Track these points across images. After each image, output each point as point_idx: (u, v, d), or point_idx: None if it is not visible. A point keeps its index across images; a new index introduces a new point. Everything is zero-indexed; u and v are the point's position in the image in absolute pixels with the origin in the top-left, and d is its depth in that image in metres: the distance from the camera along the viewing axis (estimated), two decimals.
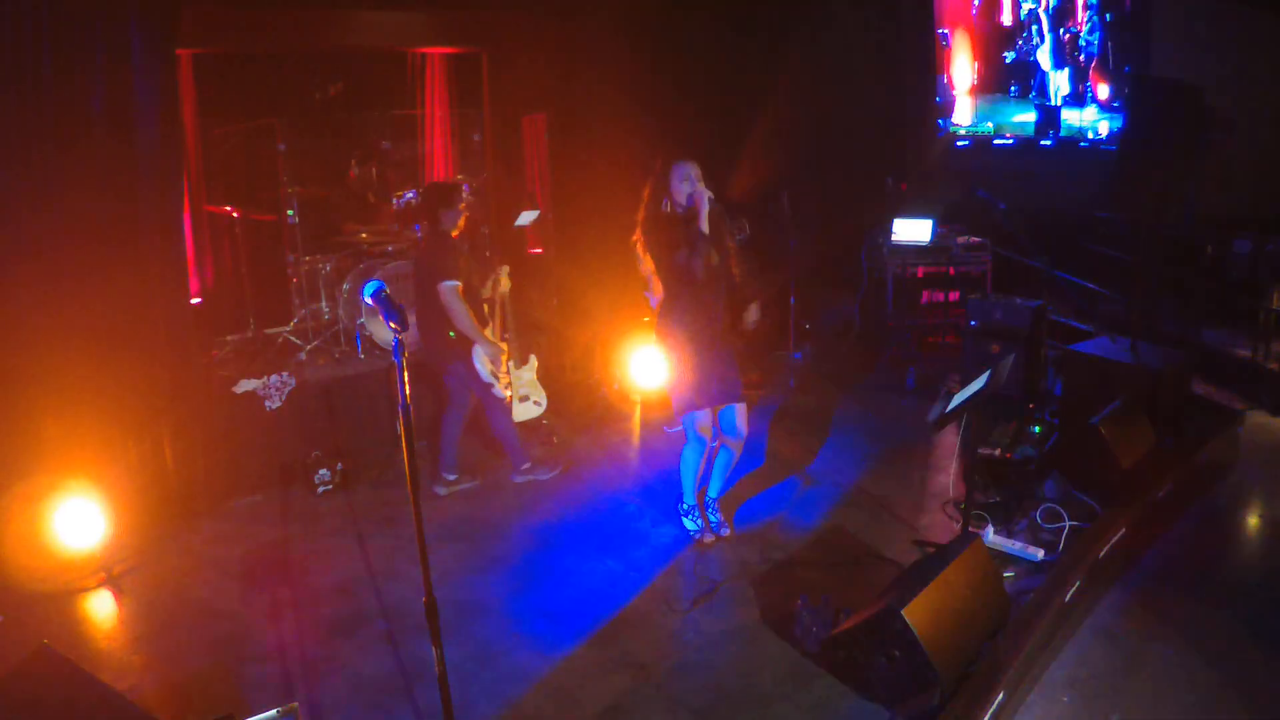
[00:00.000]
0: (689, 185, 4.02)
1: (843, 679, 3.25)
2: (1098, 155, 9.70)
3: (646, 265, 4.13)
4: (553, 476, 5.23)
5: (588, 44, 6.81)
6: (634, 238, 4.14)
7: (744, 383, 4.33)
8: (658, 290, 4.17)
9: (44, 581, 4.15)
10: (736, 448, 4.36)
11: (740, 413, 4.26)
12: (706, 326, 4.11)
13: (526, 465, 5.21)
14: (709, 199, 4.01)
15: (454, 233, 4.91)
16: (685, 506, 4.46)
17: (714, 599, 3.90)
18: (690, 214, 4.03)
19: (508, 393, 5.17)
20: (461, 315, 4.76)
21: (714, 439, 4.37)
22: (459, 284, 4.75)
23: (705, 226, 3.99)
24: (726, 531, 4.49)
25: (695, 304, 4.08)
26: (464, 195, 5.08)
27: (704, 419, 4.20)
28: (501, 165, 8.16)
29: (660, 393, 4.37)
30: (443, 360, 4.97)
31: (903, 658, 3.00)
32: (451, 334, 4.83)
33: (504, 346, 5.09)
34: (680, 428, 4.38)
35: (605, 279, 6.67)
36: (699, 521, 4.41)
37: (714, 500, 4.50)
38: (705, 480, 4.44)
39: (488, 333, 4.98)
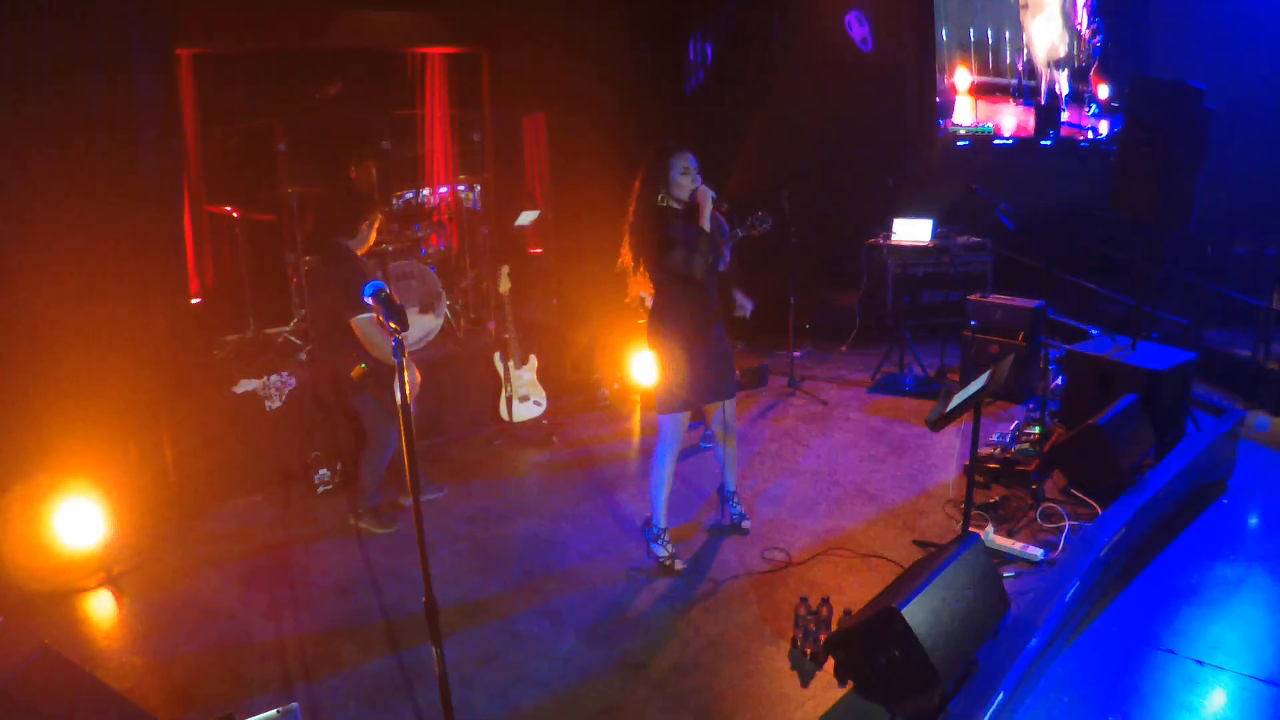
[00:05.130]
0: (690, 179, 3.83)
1: (843, 679, 3.25)
2: (1098, 155, 9.71)
3: (625, 260, 3.96)
4: (385, 534, 4.64)
5: (588, 44, 6.81)
6: (624, 227, 3.95)
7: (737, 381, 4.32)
8: (634, 289, 4.04)
9: (44, 581, 4.15)
10: (733, 442, 4.39)
11: (731, 407, 4.28)
12: (705, 324, 4.00)
13: (365, 515, 4.68)
14: (712, 197, 3.83)
15: (362, 250, 4.53)
16: (655, 530, 4.20)
17: (714, 599, 3.90)
18: (691, 209, 3.86)
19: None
20: (384, 345, 4.30)
21: (711, 440, 4.36)
22: (374, 314, 4.15)
23: (708, 224, 3.82)
24: (749, 524, 4.50)
25: (693, 302, 3.94)
26: (378, 208, 4.56)
27: (686, 420, 4.11)
28: (501, 165, 8.17)
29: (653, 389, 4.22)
30: (353, 393, 4.54)
31: (903, 658, 3.00)
32: (363, 365, 4.41)
33: (419, 376, 4.63)
34: (708, 445, 4.31)
35: (605, 279, 6.65)
36: (669, 547, 4.17)
37: (734, 493, 4.51)
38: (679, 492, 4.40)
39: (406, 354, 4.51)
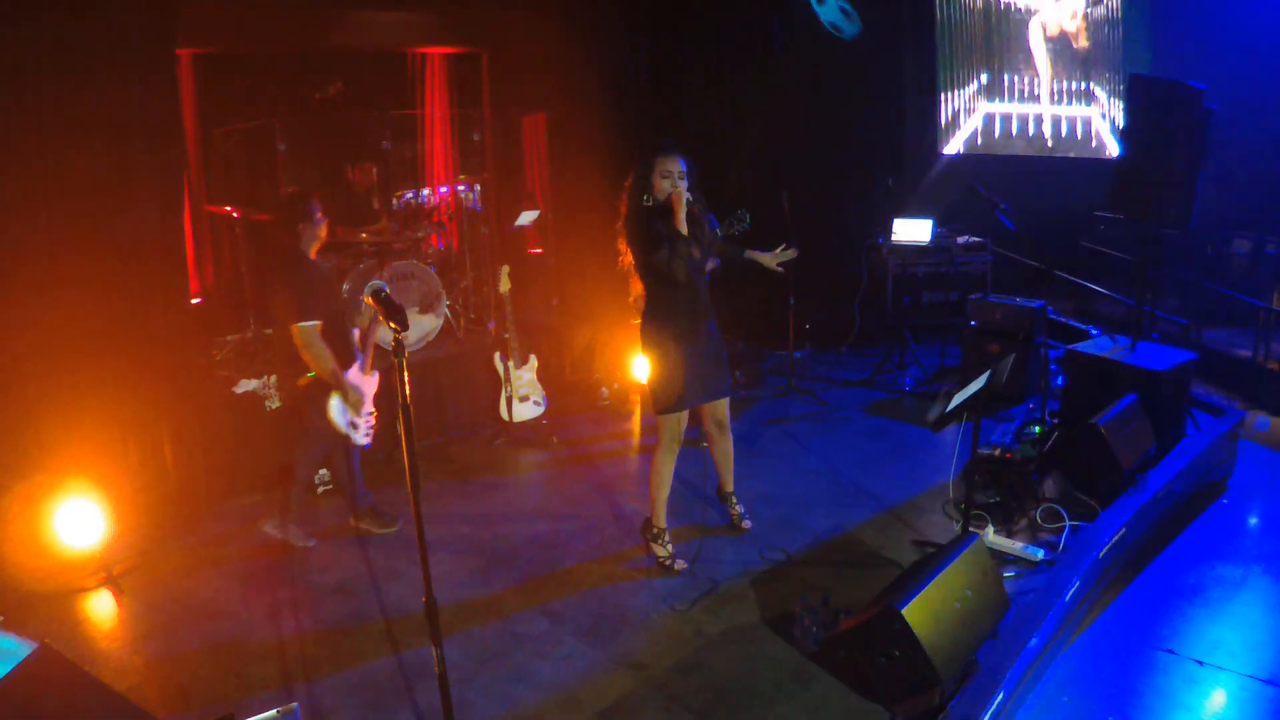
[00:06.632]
0: (670, 183, 3.83)
1: (843, 679, 3.25)
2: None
3: (625, 260, 4.00)
4: (385, 534, 4.62)
5: (588, 44, 6.80)
6: (617, 225, 3.99)
7: (732, 380, 4.31)
8: (636, 287, 4.08)
9: (44, 581, 4.15)
10: (729, 441, 4.38)
11: (727, 406, 4.28)
12: (693, 325, 3.99)
13: (365, 515, 4.67)
14: (687, 200, 3.80)
15: (312, 251, 4.27)
16: (655, 530, 4.21)
17: (714, 599, 3.90)
18: (667, 211, 3.84)
19: (362, 424, 4.43)
20: (322, 359, 4.10)
21: (703, 439, 4.38)
22: (319, 322, 4.08)
23: (683, 227, 3.79)
24: (748, 524, 4.49)
25: (681, 302, 3.95)
26: (319, 205, 4.27)
27: (684, 420, 4.10)
28: (501, 165, 8.17)
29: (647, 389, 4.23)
30: (300, 401, 4.36)
31: (903, 658, 3.00)
32: (310, 375, 4.20)
33: (356, 392, 4.33)
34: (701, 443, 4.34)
35: (605, 279, 6.65)
36: (668, 547, 4.18)
37: (732, 493, 4.52)
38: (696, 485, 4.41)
39: (355, 369, 4.32)
